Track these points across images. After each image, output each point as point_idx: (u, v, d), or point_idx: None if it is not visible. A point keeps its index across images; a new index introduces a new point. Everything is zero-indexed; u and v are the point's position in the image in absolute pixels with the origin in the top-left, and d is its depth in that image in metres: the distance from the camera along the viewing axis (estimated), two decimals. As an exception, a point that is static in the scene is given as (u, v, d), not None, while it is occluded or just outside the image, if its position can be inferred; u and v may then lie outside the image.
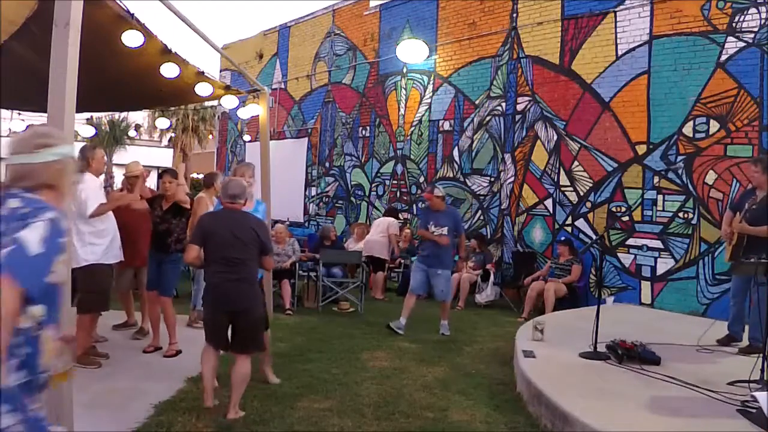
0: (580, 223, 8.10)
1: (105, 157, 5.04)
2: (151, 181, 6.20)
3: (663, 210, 7.25)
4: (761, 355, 3.81)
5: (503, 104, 9.19)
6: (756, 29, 6.55)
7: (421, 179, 10.48)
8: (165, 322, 5.19)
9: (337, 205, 12.45)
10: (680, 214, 7.09)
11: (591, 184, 7.98)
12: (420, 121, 10.57)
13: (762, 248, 4.61)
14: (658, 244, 7.25)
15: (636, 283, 7.42)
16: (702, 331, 5.13)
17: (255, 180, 4.62)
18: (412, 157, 10.73)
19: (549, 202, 8.50)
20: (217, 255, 3.66)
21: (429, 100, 10.41)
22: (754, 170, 5.13)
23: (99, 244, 4.61)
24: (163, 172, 5.42)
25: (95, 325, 4.87)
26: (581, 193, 8.09)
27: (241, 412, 3.65)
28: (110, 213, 4.81)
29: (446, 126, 10.11)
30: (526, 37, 8.89)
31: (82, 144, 5.82)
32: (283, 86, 14.10)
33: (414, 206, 10.60)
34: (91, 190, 4.61)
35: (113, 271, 4.86)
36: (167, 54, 5.42)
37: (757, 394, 3.33)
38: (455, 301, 8.29)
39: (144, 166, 5.92)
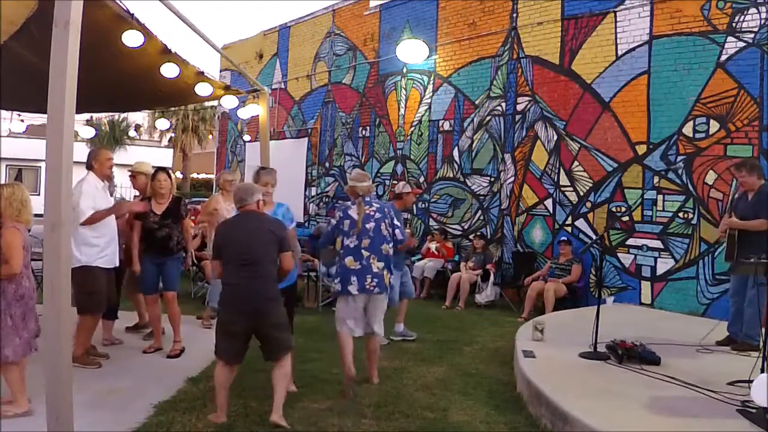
0: (580, 223, 8.10)
1: (111, 160, 4.92)
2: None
3: (663, 210, 7.24)
4: (761, 355, 3.81)
5: (503, 104, 9.19)
6: (756, 29, 6.55)
7: (421, 179, 10.47)
8: (169, 318, 5.18)
9: (336, 205, 12.43)
10: (680, 214, 7.09)
11: (591, 184, 7.98)
12: (420, 121, 10.57)
13: (756, 246, 4.65)
14: (658, 244, 7.24)
15: (636, 283, 7.42)
16: (702, 330, 5.16)
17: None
18: (412, 157, 10.73)
19: (549, 202, 8.50)
20: (233, 258, 3.61)
21: (429, 100, 10.41)
22: (740, 175, 5.20)
23: (94, 246, 4.58)
24: (156, 171, 5.30)
25: (95, 327, 4.86)
26: (581, 193, 8.09)
27: (284, 421, 3.49)
28: (110, 217, 4.78)
29: (446, 126, 10.11)
30: (526, 37, 8.89)
31: (82, 144, 5.81)
32: (283, 86, 14.11)
33: (414, 206, 10.59)
34: (86, 193, 4.56)
35: (111, 275, 4.81)
36: (167, 54, 5.43)
37: (755, 395, 3.32)
38: (455, 301, 8.30)
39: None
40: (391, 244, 4.36)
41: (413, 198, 6.35)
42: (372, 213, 4.32)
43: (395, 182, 10.97)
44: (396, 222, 4.47)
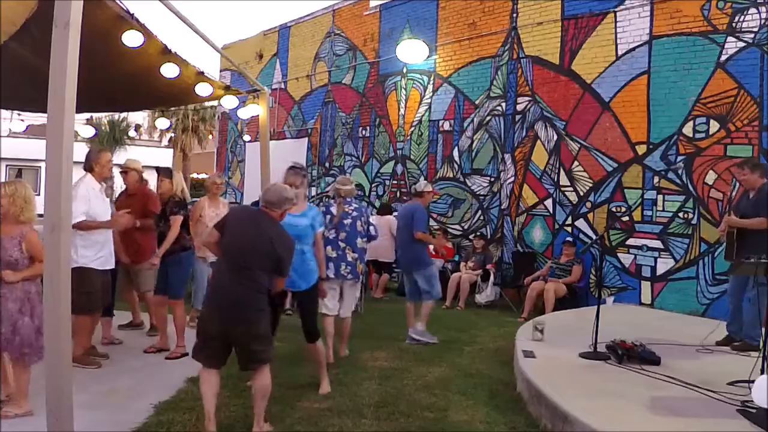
0: (580, 223, 8.10)
1: (111, 162, 4.90)
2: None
3: (663, 210, 7.24)
4: (761, 355, 3.81)
5: (503, 104, 9.19)
6: (756, 29, 6.54)
7: (422, 179, 10.46)
8: (174, 324, 5.17)
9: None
10: (680, 214, 7.09)
11: (591, 184, 7.98)
12: (420, 121, 10.57)
13: (756, 245, 4.65)
14: (658, 244, 7.24)
15: (636, 283, 7.42)
16: (702, 330, 5.16)
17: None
18: (412, 157, 10.72)
19: (549, 202, 8.50)
20: (228, 252, 3.43)
21: (429, 100, 10.41)
22: (742, 173, 5.22)
23: (89, 248, 4.56)
24: (156, 171, 5.32)
25: (94, 327, 4.87)
26: (581, 193, 8.09)
27: (268, 427, 3.46)
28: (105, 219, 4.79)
29: (446, 126, 10.11)
30: (526, 37, 8.89)
31: (82, 144, 5.82)
32: (283, 86, 14.10)
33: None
34: (81, 196, 4.50)
35: (107, 276, 4.80)
36: (167, 54, 5.43)
37: (754, 395, 3.33)
38: (455, 301, 8.30)
39: (144, 166, 5.91)
40: (365, 239, 5.25)
41: (431, 197, 6.46)
42: (350, 211, 5.13)
43: (395, 182, 10.99)
44: (371, 220, 5.43)
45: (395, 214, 9.36)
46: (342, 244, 5.06)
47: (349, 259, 5.06)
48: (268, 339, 3.50)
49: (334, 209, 5.12)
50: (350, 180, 5.41)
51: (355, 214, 5.13)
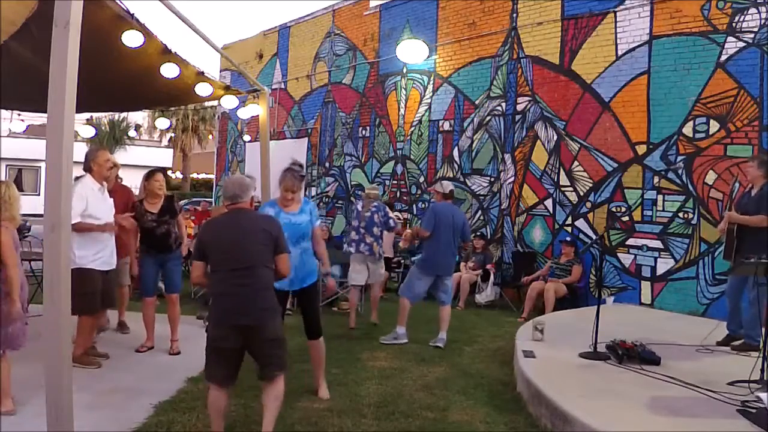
0: (580, 223, 8.10)
1: (110, 161, 4.84)
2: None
3: (663, 210, 7.25)
4: (761, 355, 3.81)
5: (503, 104, 9.19)
6: (756, 29, 6.54)
7: (421, 179, 10.47)
8: (170, 319, 5.21)
9: (337, 205, 12.46)
10: (680, 214, 7.09)
11: (591, 184, 7.98)
12: (420, 121, 10.57)
13: (755, 244, 4.65)
14: (658, 244, 7.24)
15: (636, 283, 7.42)
16: (702, 330, 5.16)
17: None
18: (412, 157, 10.72)
19: (549, 202, 8.50)
20: (220, 263, 3.20)
21: (429, 100, 10.41)
22: (748, 165, 5.30)
23: (89, 247, 4.52)
24: (154, 171, 5.30)
25: (94, 327, 4.87)
26: (581, 193, 8.09)
27: None
28: (109, 219, 4.76)
29: (446, 126, 10.11)
30: (526, 37, 8.89)
31: (82, 144, 5.81)
32: (283, 86, 14.11)
33: (414, 206, 10.60)
34: (78, 196, 4.40)
35: (108, 276, 4.74)
36: (167, 54, 5.42)
37: (761, 394, 3.34)
38: (455, 301, 8.29)
39: (143, 166, 5.92)
40: (380, 228, 6.74)
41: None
42: (371, 208, 6.76)
43: (395, 182, 10.97)
44: (390, 215, 6.93)
45: (396, 212, 9.39)
46: (362, 231, 6.68)
47: (367, 241, 6.64)
48: (283, 342, 3.32)
49: (359, 206, 6.83)
50: (377, 187, 7.68)
51: (374, 209, 6.77)
